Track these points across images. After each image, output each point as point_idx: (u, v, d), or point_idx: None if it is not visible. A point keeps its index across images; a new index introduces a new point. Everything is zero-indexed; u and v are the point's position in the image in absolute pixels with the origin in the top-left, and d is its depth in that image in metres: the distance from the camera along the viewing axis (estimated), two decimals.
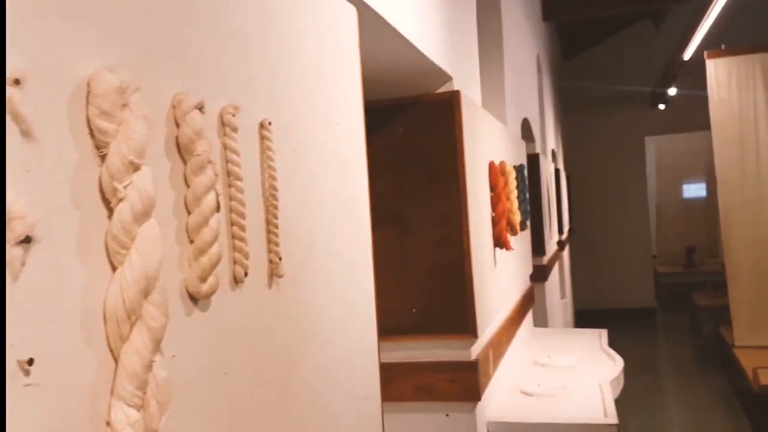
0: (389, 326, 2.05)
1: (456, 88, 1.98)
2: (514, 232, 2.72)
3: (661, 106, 8.00)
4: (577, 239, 8.71)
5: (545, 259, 4.46)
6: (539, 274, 4.34)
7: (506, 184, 2.66)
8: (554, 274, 5.42)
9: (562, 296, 6.24)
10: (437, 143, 1.98)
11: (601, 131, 8.52)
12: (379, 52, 1.59)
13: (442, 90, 1.98)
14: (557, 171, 6.25)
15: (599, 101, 8.40)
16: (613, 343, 7.73)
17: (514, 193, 2.95)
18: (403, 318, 2.07)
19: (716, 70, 5.32)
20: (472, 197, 2.07)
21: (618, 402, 5.60)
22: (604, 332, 3.45)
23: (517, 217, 2.91)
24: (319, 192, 0.95)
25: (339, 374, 1.00)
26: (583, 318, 8.52)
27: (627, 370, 6.53)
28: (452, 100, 1.96)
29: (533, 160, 4.21)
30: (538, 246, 4.30)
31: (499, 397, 2.43)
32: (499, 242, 2.44)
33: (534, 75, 4.56)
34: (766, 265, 5.42)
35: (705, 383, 5.89)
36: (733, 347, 5.39)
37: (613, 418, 2.19)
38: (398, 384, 2.05)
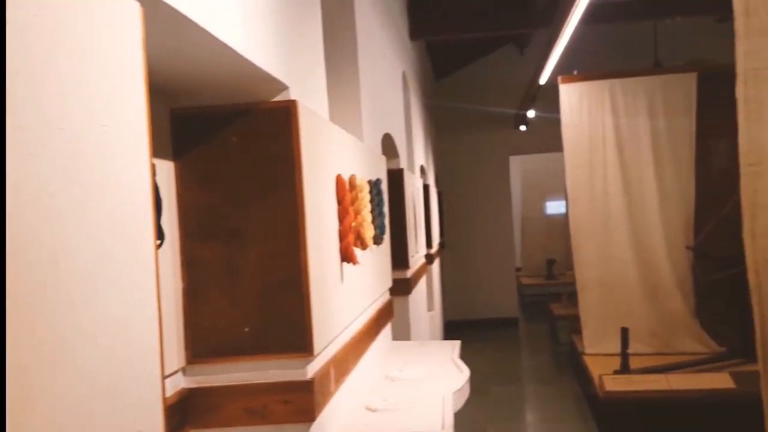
0: (220, 347, 1.94)
1: (293, 98, 1.92)
2: (364, 246, 2.69)
3: (523, 128, 8.46)
4: (448, 253, 8.97)
5: (409, 273, 4.51)
6: (402, 288, 4.38)
7: (357, 198, 2.64)
8: (421, 288, 5.51)
9: (430, 309, 6.36)
10: (273, 153, 1.91)
11: (470, 149, 8.87)
12: (197, 55, 1.50)
13: (277, 99, 1.92)
14: (426, 187, 6.39)
15: (469, 120, 8.74)
16: (478, 353, 8.00)
17: (368, 208, 2.93)
18: (235, 338, 1.96)
19: (569, 94, 5.69)
20: (313, 210, 2.01)
21: (478, 410, 5.79)
22: (457, 343, 3.52)
23: (369, 232, 2.90)
24: (73, 202, 0.84)
25: (100, 408, 0.88)
26: (453, 329, 8.77)
27: (490, 379, 6.77)
28: (288, 110, 1.90)
29: (396, 175, 4.26)
30: (401, 260, 4.34)
31: (343, 415, 2.38)
32: (346, 257, 2.41)
33: (399, 92, 4.63)
34: (612, 278, 5.83)
35: (560, 390, 6.23)
36: (582, 355, 5.74)
37: (449, 430, 2.21)
38: (228, 408, 1.94)
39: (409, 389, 2.77)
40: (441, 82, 8.70)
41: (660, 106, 5.70)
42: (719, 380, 4.60)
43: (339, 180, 2.37)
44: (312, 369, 2.01)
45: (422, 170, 6.34)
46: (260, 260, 1.93)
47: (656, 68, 6.15)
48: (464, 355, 7.68)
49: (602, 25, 6.93)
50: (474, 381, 6.50)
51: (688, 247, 5.77)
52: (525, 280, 10.48)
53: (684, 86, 5.68)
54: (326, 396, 2.12)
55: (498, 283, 9.08)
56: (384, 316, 3.39)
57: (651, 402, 4.62)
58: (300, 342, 1.95)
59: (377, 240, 3.12)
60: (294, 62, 2.01)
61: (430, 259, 6.37)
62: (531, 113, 7.43)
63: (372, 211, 3.06)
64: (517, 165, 11.04)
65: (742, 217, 2.34)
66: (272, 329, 1.95)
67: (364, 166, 2.92)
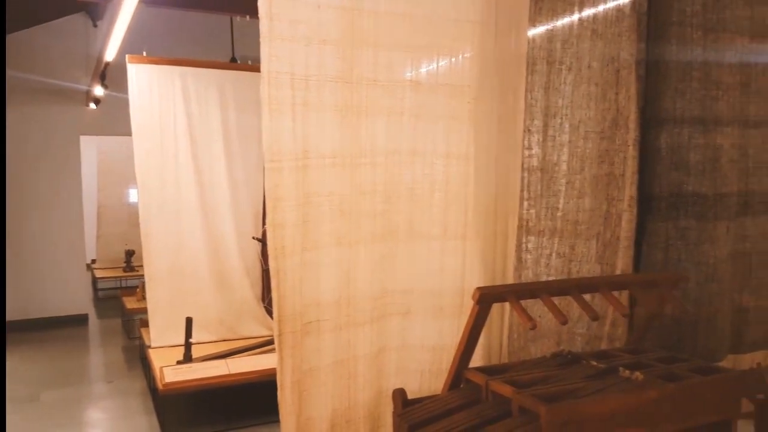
0: None
1: None
2: None
3: (93, 106, 7.78)
4: None
5: None
6: None
7: None
8: None
9: None
10: None
11: (32, 125, 7.71)
12: None
13: None
14: None
15: (30, 92, 7.59)
16: (32, 357, 7.05)
17: None
18: None
19: (138, 75, 5.39)
20: None
21: (25, 421, 5.04)
22: None
23: None
24: None
25: None
26: (6, 331, 7.53)
27: (44, 384, 6.00)
28: None
29: None
30: None
31: None
32: None
33: None
34: (182, 268, 5.78)
35: (125, 387, 5.91)
36: (149, 348, 5.54)
37: None
38: None
39: None
40: None
41: (231, 101, 5.88)
42: (272, 360, 4.97)
43: None
44: None
45: None
46: None
47: (230, 63, 6.34)
48: (12, 362, 6.63)
49: (183, 12, 6.84)
50: (22, 389, 5.68)
51: (254, 238, 6.12)
52: (100, 273, 9.71)
53: (254, 84, 5.97)
54: None
55: (65, 276, 8.15)
56: None
57: (211, 388, 4.71)
58: None
59: None
60: None
61: None
62: (99, 91, 6.83)
63: None
64: (93, 147, 10.13)
65: (266, 209, 2.49)
66: None
67: None
